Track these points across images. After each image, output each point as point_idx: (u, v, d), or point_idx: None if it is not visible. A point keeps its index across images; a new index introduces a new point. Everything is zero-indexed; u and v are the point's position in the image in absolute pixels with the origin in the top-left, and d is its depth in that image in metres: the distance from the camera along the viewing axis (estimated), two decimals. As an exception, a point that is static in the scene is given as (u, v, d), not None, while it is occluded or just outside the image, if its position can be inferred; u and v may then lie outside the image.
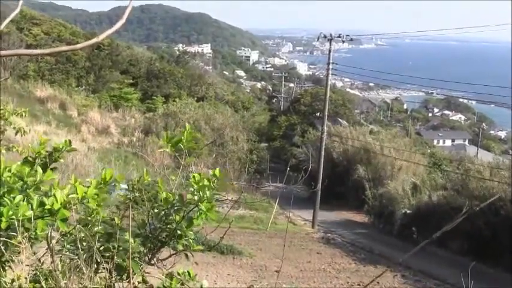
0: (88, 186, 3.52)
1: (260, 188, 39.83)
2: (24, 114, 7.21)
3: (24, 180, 3.44)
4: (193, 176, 3.87)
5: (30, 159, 3.95)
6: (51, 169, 4.02)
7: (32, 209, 3.26)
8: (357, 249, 31.41)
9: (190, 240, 3.93)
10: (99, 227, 3.68)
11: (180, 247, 3.94)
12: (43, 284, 3.28)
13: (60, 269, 3.36)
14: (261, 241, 29.77)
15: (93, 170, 28.08)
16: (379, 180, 41.77)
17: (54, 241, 3.40)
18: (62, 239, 3.62)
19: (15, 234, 3.20)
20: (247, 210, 34.95)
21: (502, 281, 26.10)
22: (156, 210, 3.99)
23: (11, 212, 3.15)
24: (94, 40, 2.72)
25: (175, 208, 3.88)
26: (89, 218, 3.65)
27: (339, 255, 29.41)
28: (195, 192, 3.85)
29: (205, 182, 3.86)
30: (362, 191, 41.01)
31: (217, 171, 3.96)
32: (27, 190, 3.39)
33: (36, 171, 3.55)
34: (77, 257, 3.42)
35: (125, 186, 4.34)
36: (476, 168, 34.55)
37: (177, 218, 3.87)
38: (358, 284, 23.87)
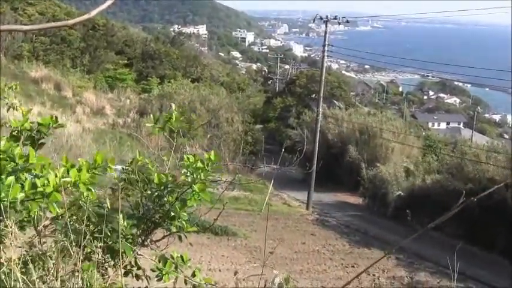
0: (80, 169, 3.46)
1: (255, 170, 39.90)
2: (15, 87, 7.14)
3: (15, 162, 3.39)
4: (187, 158, 3.82)
5: (15, 133, 3.89)
6: (40, 144, 3.97)
7: (24, 191, 3.21)
8: (351, 231, 31.50)
9: (183, 221, 3.89)
10: (91, 209, 3.63)
11: (174, 229, 3.90)
12: (33, 265, 3.25)
13: (51, 251, 3.33)
14: (255, 222, 29.82)
15: (88, 151, 28.04)
16: (374, 162, 41.82)
17: (42, 224, 3.36)
18: (54, 221, 3.58)
19: (2, 218, 3.15)
20: (241, 192, 34.97)
21: (496, 263, 26.26)
22: (149, 192, 3.95)
23: (2, 194, 3.10)
24: (86, 16, 2.67)
25: (169, 189, 3.84)
26: (81, 202, 3.59)
27: (333, 237, 29.51)
28: (189, 174, 3.80)
29: (199, 164, 3.81)
30: (357, 173, 41.11)
31: (212, 155, 3.90)
32: (18, 172, 3.33)
33: (28, 153, 3.48)
34: (66, 239, 3.38)
35: (119, 167, 4.29)
36: (472, 151, 34.63)
37: (171, 199, 3.83)
38: (352, 266, 24.00)
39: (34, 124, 4.00)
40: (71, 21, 2.70)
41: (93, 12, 2.66)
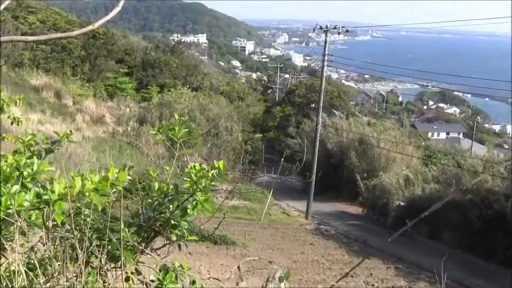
0: (85, 179, 3.50)
1: (254, 179, 39.91)
2: (19, 102, 7.18)
3: (20, 171, 3.42)
4: (194, 166, 3.84)
5: (20, 150, 3.92)
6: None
7: (29, 200, 3.24)
8: (351, 240, 31.47)
9: (184, 230, 3.91)
10: (93, 216, 3.66)
11: (174, 237, 3.92)
12: (39, 270, 3.27)
13: (53, 256, 3.35)
14: (254, 231, 29.81)
15: (88, 159, 28.05)
16: (374, 171, 41.84)
17: (51, 222, 3.39)
18: (56, 228, 3.60)
19: (11, 221, 3.18)
20: (241, 201, 35.00)
21: (495, 273, 26.24)
22: (150, 200, 3.97)
23: (8, 202, 3.13)
24: (90, 27, 2.71)
25: (170, 198, 3.86)
26: (85, 210, 3.62)
27: (332, 247, 29.46)
28: (192, 182, 3.82)
29: (207, 172, 3.83)
30: (356, 182, 41.09)
31: (221, 164, 3.91)
32: (24, 180, 3.37)
33: (32, 161, 3.53)
34: (72, 236, 3.41)
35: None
36: (470, 162, 34.63)
37: (171, 207, 3.85)
38: (351, 276, 23.96)
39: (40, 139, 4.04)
40: (74, 33, 2.74)
41: (97, 24, 2.70)
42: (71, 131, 4.16)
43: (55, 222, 3.42)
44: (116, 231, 3.65)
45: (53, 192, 3.28)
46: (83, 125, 44.28)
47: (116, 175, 3.63)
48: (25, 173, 3.42)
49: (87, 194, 3.43)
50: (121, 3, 2.61)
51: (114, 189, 3.65)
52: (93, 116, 48.93)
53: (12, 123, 6.47)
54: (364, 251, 28.59)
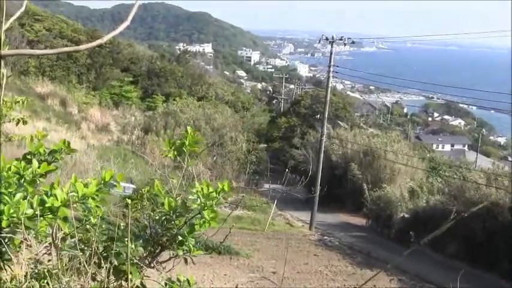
0: (87, 185, 3.50)
1: (259, 189, 39.84)
2: (22, 102, 7.19)
3: (21, 175, 3.42)
4: (201, 188, 3.82)
5: (29, 157, 3.93)
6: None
7: (32, 208, 3.24)
8: (354, 252, 31.39)
9: (190, 245, 3.89)
10: (100, 228, 3.66)
11: (181, 252, 3.91)
12: (48, 281, 3.28)
13: (60, 268, 3.36)
14: (258, 242, 29.78)
15: (93, 167, 28.10)
16: (378, 183, 41.73)
17: (59, 236, 3.39)
18: (63, 240, 3.60)
19: (17, 230, 3.19)
20: (245, 211, 34.98)
21: (498, 286, 26.16)
22: (157, 216, 3.95)
23: (12, 211, 3.14)
24: (98, 42, 2.72)
25: (177, 214, 3.84)
26: (90, 219, 3.62)
27: (335, 258, 29.41)
28: (199, 201, 3.80)
29: (213, 194, 3.82)
30: (360, 193, 41.00)
31: (226, 186, 3.90)
32: (25, 184, 3.37)
33: (32, 164, 3.53)
34: (80, 254, 3.41)
35: (125, 184, 4.32)
36: (474, 174, 34.55)
37: (178, 222, 3.82)
38: (354, 287, 23.91)
39: (48, 149, 4.04)
40: (82, 47, 2.75)
41: (105, 38, 2.71)
42: (69, 142, 4.15)
43: (62, 235, 3.42)
44: (122, 243, 3.65)
45: (55, 197, 3.28)
46: (87, 133, 44.42)
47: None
48: (26, 177, 3.42)
49: (88, 199, 3.44)
50: (130, 17, 2.63)
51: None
52: (98, 124, 49.09)
53: (17, 124, 6.49)
54: (367, 263, 28.53)
